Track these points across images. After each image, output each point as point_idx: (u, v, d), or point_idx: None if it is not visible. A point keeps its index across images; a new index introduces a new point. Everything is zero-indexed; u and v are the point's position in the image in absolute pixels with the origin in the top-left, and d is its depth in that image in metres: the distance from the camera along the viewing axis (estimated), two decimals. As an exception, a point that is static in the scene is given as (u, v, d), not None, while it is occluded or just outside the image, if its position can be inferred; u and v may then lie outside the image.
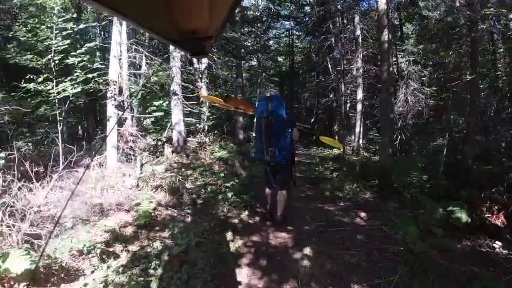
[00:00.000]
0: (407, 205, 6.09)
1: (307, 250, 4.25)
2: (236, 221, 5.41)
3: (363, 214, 5.62)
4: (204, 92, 13.29)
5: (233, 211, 5.86)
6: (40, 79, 7.28)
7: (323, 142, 6.12)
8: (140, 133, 11.75)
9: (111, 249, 4.44)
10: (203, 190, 7.00)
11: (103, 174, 7.18)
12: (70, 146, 7.65)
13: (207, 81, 14.69)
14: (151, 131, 12.67)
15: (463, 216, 4.91)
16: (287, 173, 5.06)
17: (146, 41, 15.33)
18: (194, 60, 14.08)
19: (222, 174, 8.04)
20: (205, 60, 13.35)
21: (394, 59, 12.98)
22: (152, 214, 5.58)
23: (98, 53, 12.91)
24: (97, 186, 6.52)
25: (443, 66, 12.18)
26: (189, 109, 12.00)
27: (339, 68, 15.33)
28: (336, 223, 5.23)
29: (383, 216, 5.46)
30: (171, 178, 7.29)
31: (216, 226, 5.12)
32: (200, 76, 13.99)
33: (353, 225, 5.13)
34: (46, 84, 7.38)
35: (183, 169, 8.49)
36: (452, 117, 14.04)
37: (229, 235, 4.75)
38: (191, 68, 14.63)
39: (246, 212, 5.79)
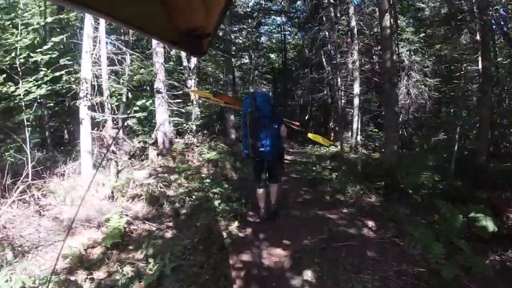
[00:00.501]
0: (419, 210, 5.34)
1: (308, 274, 3.48)
2: (224, 234, 4.65)
3: (371, 223, 4.83)
4: (193, 90, 12.64)
5: (221, 222, 5.08)
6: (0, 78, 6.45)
7: (312, 140, 6.00)
8: (127, 135, 11.02)
9: (73, 278, 3.68)
10: (187, 197, 6.19)
11: (76, 183, 6.41)
12: (36, 154, 6.82)
13: (197, 79, 14.07)
14: (139, 133, 11.98)
15: (489, 225, 4.17)
16: (276, 169, 5.02)
17: (130, 38, 14.58)
18: (183, 58, 13.49)
19: (209, 179, 7.26)
20: (194, 58, 12.71)
21: (395, 48, 12.28)
22: (127, 229, 4.82)
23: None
24: (67, 198, 5.76)
25: (449, 53, 11.48)
26: (176, 108, 11.28)
27: (334, 62, 14.64)
28: (340, 235, 4.42)
29: (395, 225, 4.70)
30: (150, 186, 6.52)
31: (200, 242, 4.36)
32: (190, 74, 13.36)
33: (361, 238, 4.34)
34: (8, 85, 6.57)
35: (166, 174, 7.70)
36: (452, 110, 13.44)
37: (214, 255, 4.00)
38: (181, 67, 13.98)
39: (236, 223, 5.01)
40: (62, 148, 11.79)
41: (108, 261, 3.99)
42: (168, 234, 4.83)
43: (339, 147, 12.26)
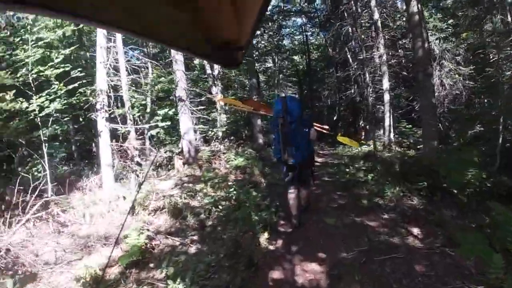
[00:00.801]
0: (466, 211, 4.78)
1: (349, 295, 3.02)
2: (252, 248, 4.22)
3: (415, 230, 4.28)
4: (219, 97, 12.49)
5: (249, 234, 4.67)
6: (8, 97, 6.36)
7: (341, 142, 6.14)
8: (153, 146, 10.89)
9: (87, 302, 3.38)
10: (213, 208, 5.84)
11: (96, 197, 6.20)
12: (62, 168, 6.66)
13: (222, 86, 13.93)
14: (166, 142, 11.87)
15: (550, 230, 3.58)
16: (307, 173, 5.05)
17: (150, 48, 14.55)
18: (207, 66, 13.37)
19: (236, 187, 6.87)
20: (218, 66, 12.56)
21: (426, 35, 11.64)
22: (148, 245, 4.51)
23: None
24: (87, 213, 5.53)
25: (475, 40, 10.67)
26: (200, 115, 11.09)
27: (360, 58, 14.10)
28: (382, 246, 3.90)
29: (442, 230, 4.14)
30: (173, 197, 6.21)
31: (226, 258, 3.95)
32: (215, 81, 13.20)
33: (406, 249, 3.79)
34: (18, 102, 6.50)
35: (191, 184, 7.40)
36: (487, 100, 12.61)
37: (241, 272, 3.58)
38: (205, 75, 13.89)
39: (266, 235, 4.59)
40: (87, 161, 11.78)
41: (125, 282, 3.66)
42: (192, 249, 4.48)
43: (371, 146, 11.65)
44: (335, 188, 7.08)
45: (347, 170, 8.58)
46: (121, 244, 4.59)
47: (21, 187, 5.60)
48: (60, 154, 10.96)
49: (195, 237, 4.82)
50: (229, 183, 7.52)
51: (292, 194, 4.75)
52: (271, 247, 4.30)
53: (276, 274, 3.56)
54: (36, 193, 5.58)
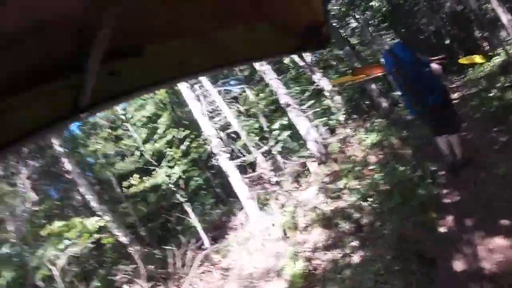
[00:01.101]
0: None
1: None
2: (419, 237, 3.60)
3: None
4: (325, 81, 12.21)
5: (411, 221, 4.00)
6: (133, 181, 7.31)
7: (467, 64, 5.83)
8: (286, 157, 10.98)
9: None
10: (363, 203, 5.33)
11: (248, 231, 6.40)
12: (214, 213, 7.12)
13: (321, 71, 13.47)
14: (296, 149, 11.84)
15: None
16: (448, 113, 4.44)
17: (240, 73, 14.90)
18: (296, 59, 13.05)
19: (379, 168, 6.24)
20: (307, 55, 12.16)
21: None
22: (309, 266, 4.33)
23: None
24: (243, 251, 5.69)
25: None
26: (312, 110, 10.79)
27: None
28: None
29: None
30: (318, 207, 5.98)
31: (394, 260, 3.45)
32: (312, 69, 12.82)
33: None
34: (144, 181, 7.31)
35: (332, 185, 7.01)
36: None
37: (415, 274, 3.06)
38: (301, 69, 13.63)
39: (433, 214, 3.88)
40: (234, 199, 12.40)
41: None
42: (355, 258, 4.12)
43: (502, 54, 9.77)
44: (487, 123, 5.79)
45: (490, 95, 7.16)
46: (282, 276, 4.50)
47: (183, 242, 6.06)
48: (208, 200, 11.74)
49: (354, 243, 4.45)
50: (370, 167, 6.91)
51: (441, 144, 4.47)
52: (441, 229, 3.61)
53: (456, 265, 2.92)
54: (194, 248, 5.98)
